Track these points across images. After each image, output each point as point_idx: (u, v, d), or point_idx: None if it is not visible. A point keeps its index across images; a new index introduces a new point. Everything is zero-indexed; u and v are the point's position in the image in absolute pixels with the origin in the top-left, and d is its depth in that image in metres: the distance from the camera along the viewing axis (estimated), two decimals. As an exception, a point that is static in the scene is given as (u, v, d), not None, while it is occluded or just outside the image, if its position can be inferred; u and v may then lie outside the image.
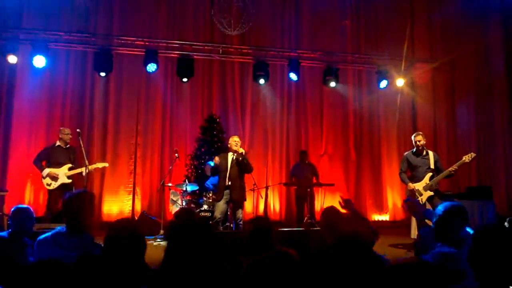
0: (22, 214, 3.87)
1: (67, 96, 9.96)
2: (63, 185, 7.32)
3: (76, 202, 3.19)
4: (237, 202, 7.18)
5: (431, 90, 11.11)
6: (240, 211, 7.19)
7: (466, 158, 6.80)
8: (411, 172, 7.16)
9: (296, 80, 10.06)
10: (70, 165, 7.45)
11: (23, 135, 9.60)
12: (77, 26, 9.57)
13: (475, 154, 6.87)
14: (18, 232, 3.75)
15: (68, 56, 9.95)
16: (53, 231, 3.12)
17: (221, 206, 7.09)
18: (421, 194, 6.85)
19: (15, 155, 9.47)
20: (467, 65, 10.33)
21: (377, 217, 11.00)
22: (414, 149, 7.13)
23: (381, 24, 11.34)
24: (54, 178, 7.28)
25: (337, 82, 10.10)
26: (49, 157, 7.45)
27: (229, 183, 7.07)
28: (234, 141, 7.19)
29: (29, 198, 9.46)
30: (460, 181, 10.33)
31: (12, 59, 8.60)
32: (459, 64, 10.51)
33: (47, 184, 7.32)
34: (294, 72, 9.82)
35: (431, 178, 6.88)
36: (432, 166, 6.94)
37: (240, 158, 7.07)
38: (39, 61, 8.66)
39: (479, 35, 10.18)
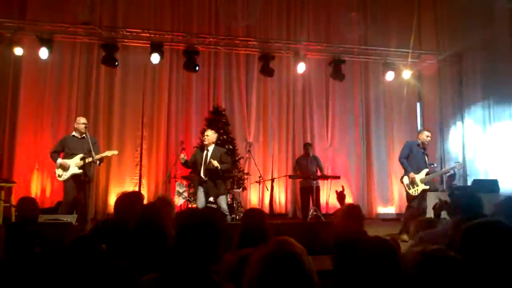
0: (27, 205, 3.90)
1: (72, 87, 10.01)
2: (74, 176, 6.96)
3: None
4: (212, 195, 7.15)
5: (437, 82, 11.02)
6: (222, 203, 7.17)
7: (457, 166, 7.76)
8: (409, 161, 7.62)
9: (302, 72, 10.01)
10: (82, 155, 7.04)
11: (30, 127, 9.66)
12: (83, 18, 9.57)
13: (462, 165, 7.99)
14: (23, 223, 3.78)
15: (73, 48, 9.98)
16: None
17: (200, 198, 7.09)
18: (417, 185, 7.40)
19: (22, 147, 9.54)
20: (474, 57, 10.23)
21: (383, 209, 10.98)
22: (420, 143, 7.59)
23: (388, 15, 11.25)
24: (66, 169, 6.94)
25: (343, 74, 10.03)
26: (64, 147, 7.11)
27: (205, 178, 7.06)
28: (206, 136, 7.15)
29: (36, 190, 9.53)
30: (467, 173, 10.27)
31: (17, 51, 8.60)
32: (466, 56, 10.41)
33: (59, 175, 6.98)
34: (299, 64, 9.77)
35: (426, 174, 7.45)
36: (427, 163, 7.54)
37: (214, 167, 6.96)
38: (44, 53, 8.65)
39: (486, 26, 10.06)
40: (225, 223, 6.41)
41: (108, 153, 7.48)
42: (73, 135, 7.16)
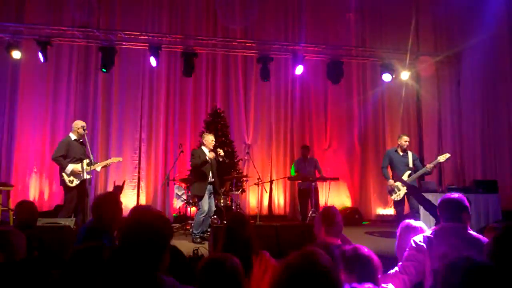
0: (25, 208, 3.88)
1: (70, 90, 9.99)
2: (82, 181, 6.85)
3: (105, 202, 3.32)
4: (216, 195, 7.73)
5: (435, 83, 11.02)
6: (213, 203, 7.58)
7: (441, 158, 7.44)
8: (392, 169, 7.81)
9: (300, 74, 10.01)
10: (87, 160, 6.94)
11: (28, 130, 9.64)
12: (80, 21, 9.58)
13: (449, 155, 7.54)
14: (21, 226, 3.76)
15: (71, 51, 9.98)
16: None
17: (207, 199, 7.29)
18: (399, 190, 7.51)
19: (20, 150, 9.51)
20: (472, 58, 10.24)
21: (381, 211, 10.97)
22: (398, 148, 7.80)
23: (386, 17, 11.26)
24: (78, 175, 6.76)
25: (341, 75, 10.02)
26: (68, 152, 6.85)
27: (213, 179, 7.41)
28: (212, 141, 7.58)
29: (34, 193, 9.50)
30: (466, 174, 10.28)
31: (16, 54, 8.58)
32: (464, 57, 10.43)
33: (70, 181, 6.74)
34: (298, 66, 9.76)
35: (409, 176, 7.52)
36: (410, 165, 7.57)
37: (221, 159, 7.54)
38: (42, 56, 8.64)
39: (484, 27, 10.08)
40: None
41: (114, 160, 7.53)
42: (75, 139, 6.98)
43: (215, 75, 10.78)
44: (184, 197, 8.67)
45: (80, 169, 6.75)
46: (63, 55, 9.88)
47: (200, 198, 7.26)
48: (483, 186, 8.00)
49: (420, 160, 8.73)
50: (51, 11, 9.73)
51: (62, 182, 6.79)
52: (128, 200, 9.94)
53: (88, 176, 6.90)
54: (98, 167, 7.14)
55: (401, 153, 7.74)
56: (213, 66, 10.77)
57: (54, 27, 9.05)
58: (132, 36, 9.42)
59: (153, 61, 9.12)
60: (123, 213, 3.39)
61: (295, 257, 1.47)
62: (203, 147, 7.47)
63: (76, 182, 6.76)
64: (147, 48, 9.21)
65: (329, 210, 3.33)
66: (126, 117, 10.25)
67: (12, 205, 7.82)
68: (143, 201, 10.00)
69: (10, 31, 8.69)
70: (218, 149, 7.54)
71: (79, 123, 7.06)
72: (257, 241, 3.10)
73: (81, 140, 7.05)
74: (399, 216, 7.76)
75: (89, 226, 3.37)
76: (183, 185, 9.00)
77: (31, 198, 9.10)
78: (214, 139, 7.64)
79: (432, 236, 2.91)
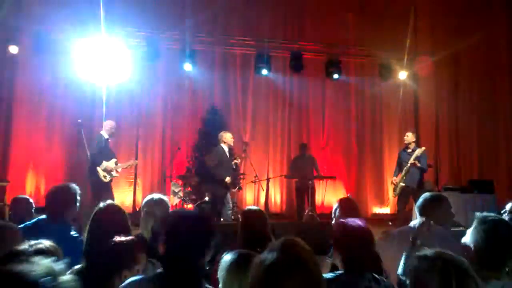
0: (20, 204, 3.88)
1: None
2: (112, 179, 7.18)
3: (61, 194, 3.24)
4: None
5: (433, 83, 11.04)
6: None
7: (419, 151, 7.63)
8: (399, 166, 8.01)
9: (298, 72, 10.00)
10: (115, 159, 7.24)
11: (24, 125, 9.59)
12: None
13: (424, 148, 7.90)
14: (17, 222, 3.74)
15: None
16: (36, 219, 3.24)
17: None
18: (398, 186, 7.80)
19: (17, 145, 9.47)
20: (470, 58, 10.26)
21: (378, 209, 10.99)
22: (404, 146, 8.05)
23: (384, 16, 11.24)
24: (109, 172, 7.03)
25: (339, 74, 10.03)
26: (102, 149, 7.08)
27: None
28: (232, 138, 7.77)
29: (31, 189, 9.47)
30: (462, 174, 10.32)
31: (13, 49, 8.55)
32: (462, 57, 10.44)
33: (104, 177, 6.97)
34: (296, 64, 9.75)
35: (405, 172, 7.73)
36: (410, 162, 7.63)
37: (239, 160, 7.96)
38: (40, 51, 8.62)
39: (482, 28, 10.10)
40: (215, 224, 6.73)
41: (133, 162, 7.91)
42: (106, 138, 7.19)
43: (213, 72, 10.74)
44: (181, 194, 8.67)
45: (112, 166, 7.05)
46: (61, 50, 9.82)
47: (226, 190, 7.49)
48: (480, 186, 8.05)
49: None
50: (50, 6, 9.68)
51: (97, 178, 6.87)
52: (125, 197, 9.92)
53: (116, 174, 7.23)
54: (119, 168, 7.34)
55: (408, 151, 7.86)
56: (211, 63, 10.73)
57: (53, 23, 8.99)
58: (129, 32, 9.38)
59: (151, 58, 9.10)
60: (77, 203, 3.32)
61: (274, 247, 1.45)
62: (222, 145, 7.55)
63: (108, 178, 7.02)
64: (145, 44, 9.18)
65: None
66: (123, 113, 10.20)
67: (8, 200, 7.79)
68: (139, 198, 9.98)
69: (8, 25, 8.63)
70: (237, 158, 7.87)
71: (111, 123, 7.38)
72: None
73: (109, 140, 7.30)
74: (400, 213, 7.89)
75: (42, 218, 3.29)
76: (180, 182, 8.99)
77: (27, 194, 9.05)
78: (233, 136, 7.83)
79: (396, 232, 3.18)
